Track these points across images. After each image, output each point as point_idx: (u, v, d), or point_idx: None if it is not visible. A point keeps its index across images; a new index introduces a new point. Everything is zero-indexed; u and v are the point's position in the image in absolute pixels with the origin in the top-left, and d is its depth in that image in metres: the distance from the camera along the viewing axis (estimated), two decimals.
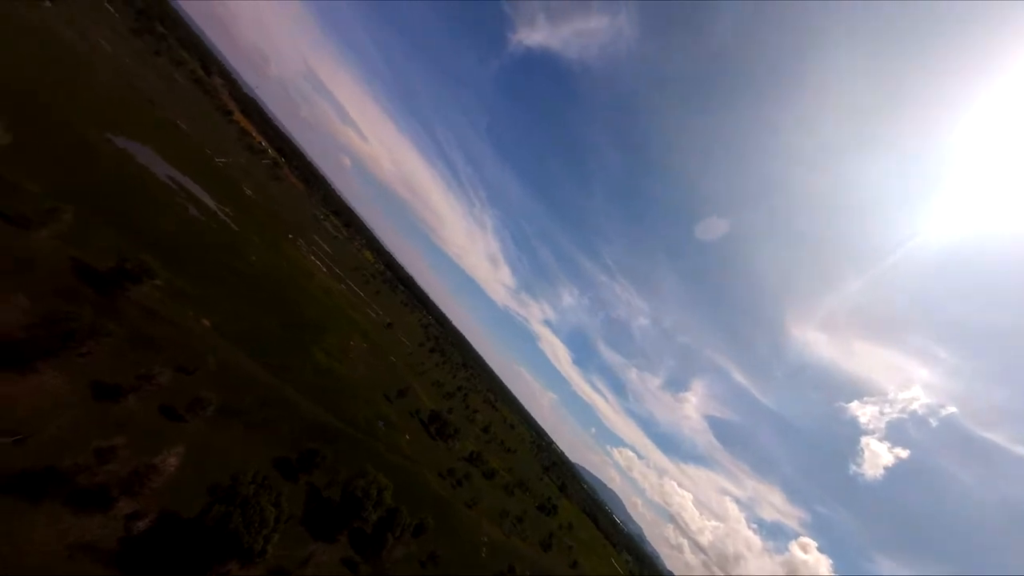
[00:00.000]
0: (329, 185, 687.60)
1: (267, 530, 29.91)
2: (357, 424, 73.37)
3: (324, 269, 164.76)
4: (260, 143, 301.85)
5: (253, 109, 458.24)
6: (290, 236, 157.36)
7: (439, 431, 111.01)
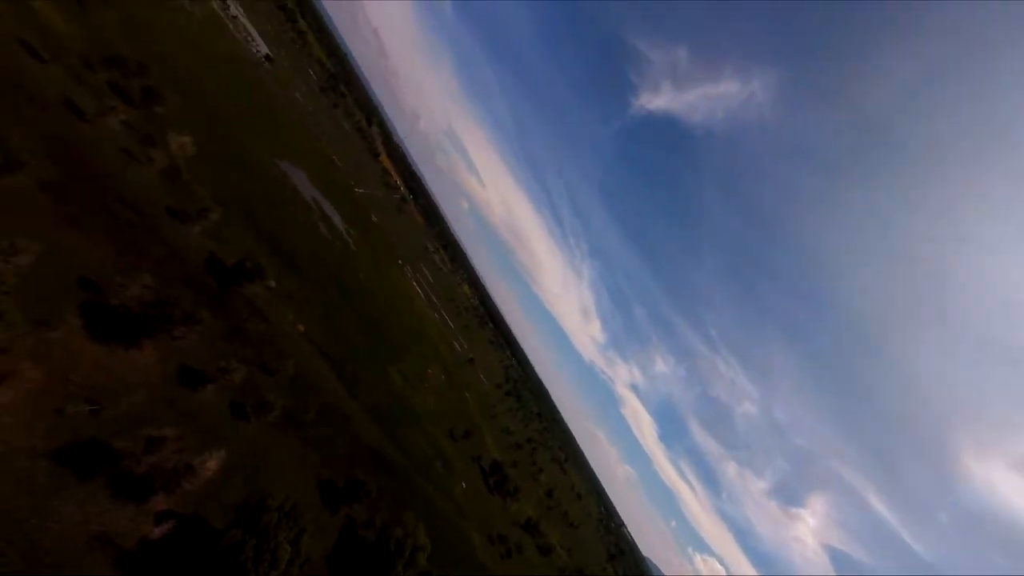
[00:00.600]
0: (446, 223, 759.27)
1: (276, 573, 26.18)
2: (414, 458, 69.78)
3: (423, 296, 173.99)
4: (396, 181, 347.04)
5: (397, 154, 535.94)
6: (400, 262, 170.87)
7: (498, 485, 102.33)
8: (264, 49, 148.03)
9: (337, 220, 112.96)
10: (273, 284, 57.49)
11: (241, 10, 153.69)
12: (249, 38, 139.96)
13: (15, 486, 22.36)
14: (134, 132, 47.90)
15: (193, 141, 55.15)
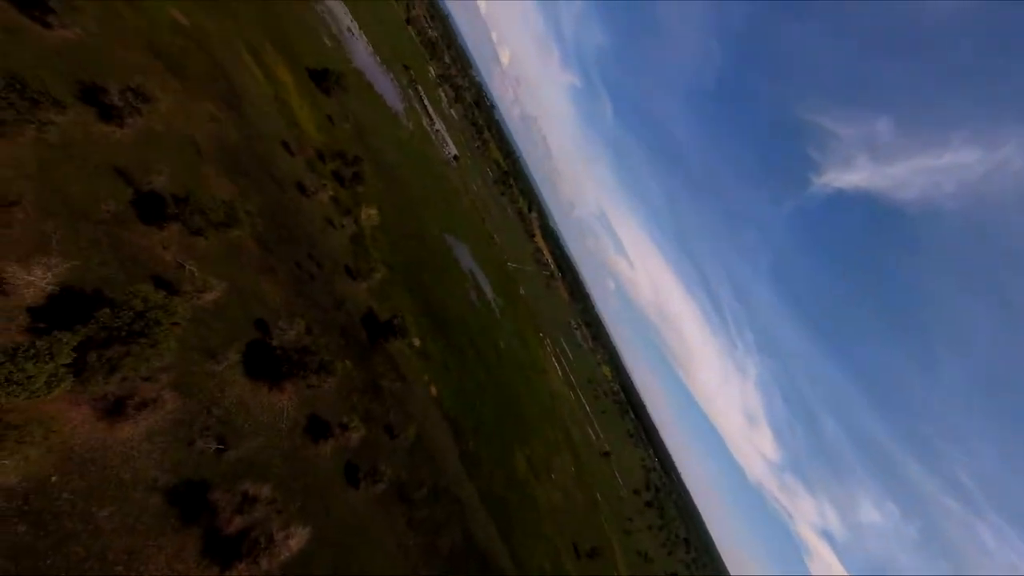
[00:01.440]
0: (591, 300, 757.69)
1: None
2: (527, 572, 57.00)
3: (560, 373, 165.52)
4: (547, 259, 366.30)
5: (551, 235, 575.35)
6: (541, 335, 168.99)
7: None
8: (454, 151, 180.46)
9: (488, 290, 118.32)
10: (417, 343, 58.23)
11: (443, 125, 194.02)
12: (444, 144, 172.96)
13: (122, 520, 21.68)
14: (338, 206, 57.42)
15: (379, 213, 63.99)
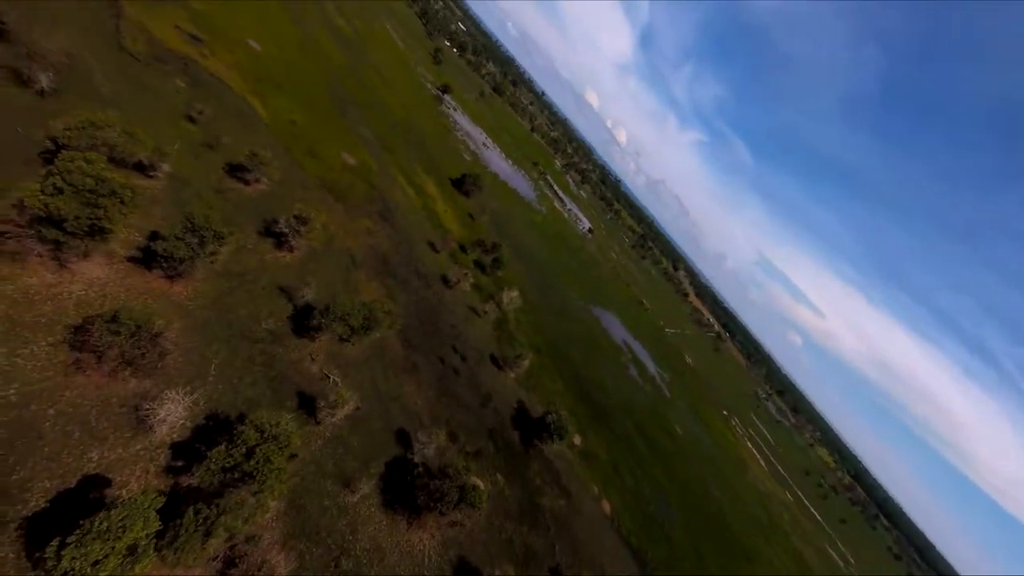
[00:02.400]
0: (773, 362, 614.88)
1: None
2: None
3: (762, 462, 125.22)
4: (708, 319, 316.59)
5: (706, 293, 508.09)
6: (725, 413, 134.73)
7: None
8: (587, 225, 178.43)
9: (648, 362, 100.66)
10: (577, 441, 47.07)
11: (574, 204, 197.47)
12: (577, 220, 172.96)
13: None
14: (480, 292, 55.05)
15: (521, 295, 59.61)
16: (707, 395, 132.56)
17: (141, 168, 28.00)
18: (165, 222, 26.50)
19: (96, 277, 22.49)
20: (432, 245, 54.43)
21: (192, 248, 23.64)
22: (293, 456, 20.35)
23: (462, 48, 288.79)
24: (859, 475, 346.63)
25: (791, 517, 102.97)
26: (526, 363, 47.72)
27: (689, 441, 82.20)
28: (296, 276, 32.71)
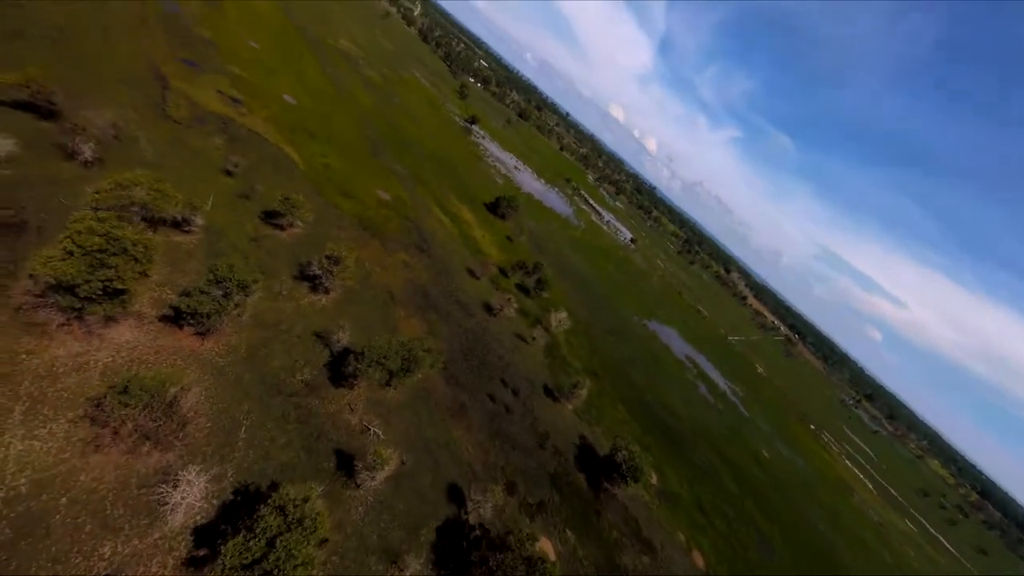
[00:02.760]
0: (853, 363, 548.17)
1: None
2: None
3: (868, 484, 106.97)
4: (772, 322, 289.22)
5: (766, 294, 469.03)
6: (812, 427, 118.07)
7: None
8: (628, 235, 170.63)
9: (717, 377, 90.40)
10: (654, 480, 40.65)
11: (612, 216, 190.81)
12: (617, 231, 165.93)
13: None
14: (526, 317, 51.10)
15: (570, 316, 54.88)
16: (788, 408, 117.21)
17: (176, 224, 27.54)
18: (200, 276, 25.43)
19: (125, 341, 21.19)
20: (472, 272, 51.74)
21: (217, 301, 21.94)
22: (324, 541, 17.00)
23: (486, 82, 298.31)
24: (987, 490, 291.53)
25: (919, 553, 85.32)
26: (583, 391, 42.50)
27: (780, 466, 71.02)
28: (332, 319, 30.65)
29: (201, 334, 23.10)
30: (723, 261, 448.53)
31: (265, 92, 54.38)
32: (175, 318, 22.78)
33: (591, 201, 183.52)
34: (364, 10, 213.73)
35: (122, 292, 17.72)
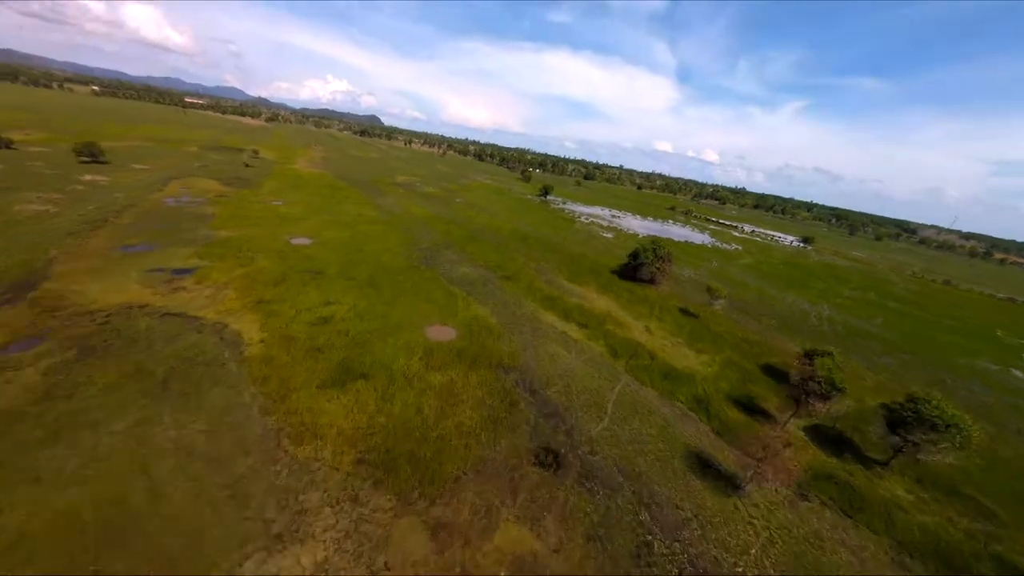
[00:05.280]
0: None
1: None
2: None
3: None
4: None
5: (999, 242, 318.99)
6: None
7: None
8: (791, 239, 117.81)
9: None
10: None
11: (750, 225, 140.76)
12: (774, 239, 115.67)
13: None
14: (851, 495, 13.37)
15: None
16: None
17: None
18: None
19: None
20: (728, 480, 17.62)
21: None
22: None
23: (542, 166, 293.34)
24: None
25: None
26: None
27: None
28: None
29: None
30: (895, 227, 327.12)
31: (245, 246, 34.51)
32: None
33: (715, 220, 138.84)
34: (422, 156, 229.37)
35: None
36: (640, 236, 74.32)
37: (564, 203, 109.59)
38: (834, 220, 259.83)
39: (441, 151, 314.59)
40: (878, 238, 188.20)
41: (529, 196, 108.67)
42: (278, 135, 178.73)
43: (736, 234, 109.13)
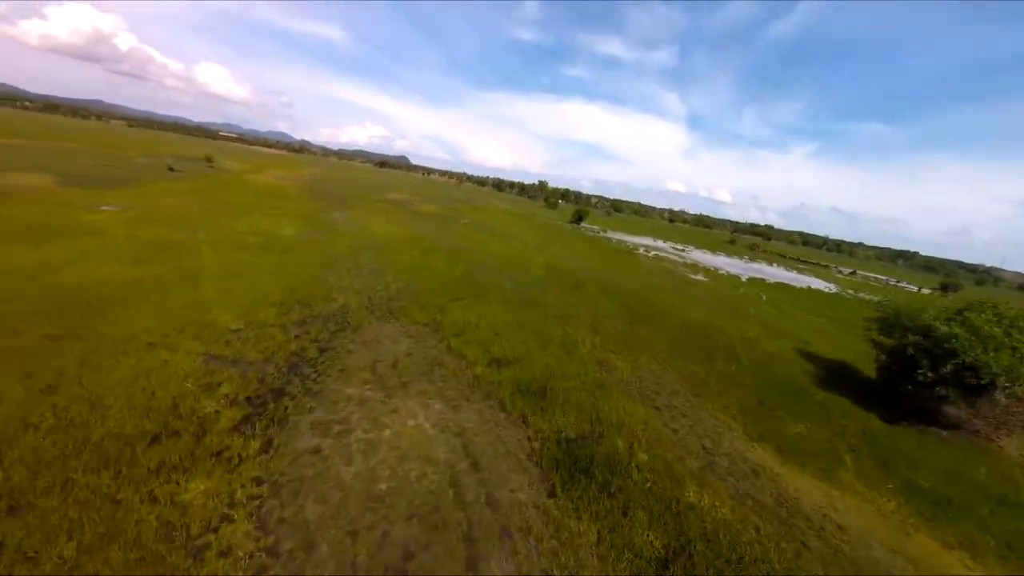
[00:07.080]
0: None
1: None
2: None
3: None
4: None
5: None
6: None
7: None
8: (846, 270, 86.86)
9: None
10: None
11: (839, 267, 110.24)
12: (886, 282, 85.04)
13: None
14: None
15: None
16: None
17: None
18: None
19: None
20: None
21: None
22: None
23: (564, 197, 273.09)
24: None
25: None
26: None
27: None
28: None
29: None
30: (967, 272, 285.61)
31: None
32: None
33: (792, 257, 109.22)
34: (437, 183, 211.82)
35: None
36: (743, 279, 46.00)
37: (604, 232, 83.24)
38: (900, 261, 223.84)
39: (458, 181, 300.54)
40: (979, 283, 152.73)
41: (560, 222, 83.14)
42: (283, 159, 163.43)
43: (849, 277, 79.02)
